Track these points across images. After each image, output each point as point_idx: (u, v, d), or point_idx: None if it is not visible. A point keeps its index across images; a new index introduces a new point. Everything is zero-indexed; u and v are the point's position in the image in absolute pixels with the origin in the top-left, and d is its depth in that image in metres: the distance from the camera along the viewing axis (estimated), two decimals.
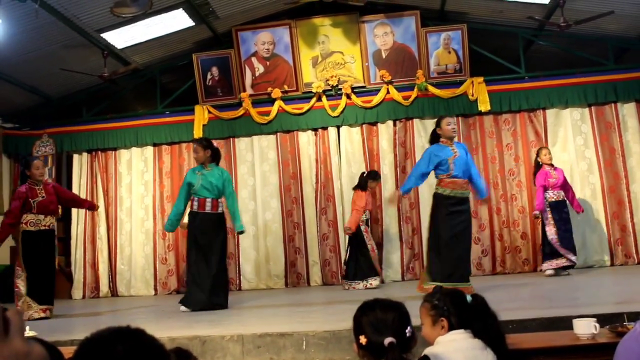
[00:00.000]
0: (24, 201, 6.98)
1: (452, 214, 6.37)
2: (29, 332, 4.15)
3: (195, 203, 7.15)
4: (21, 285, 6.94)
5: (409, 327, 2.17)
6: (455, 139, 6.75)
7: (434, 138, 6.63)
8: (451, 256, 6.27)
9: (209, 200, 7.10)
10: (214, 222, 7.14)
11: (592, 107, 9.94)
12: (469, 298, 2.60)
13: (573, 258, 8.51)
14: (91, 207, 8.25)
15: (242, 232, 7.58)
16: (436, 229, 6.40)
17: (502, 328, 2.60)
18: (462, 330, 2.48)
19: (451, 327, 2.50)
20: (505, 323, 4.26)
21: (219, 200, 7.19)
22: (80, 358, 1.25)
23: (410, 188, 6.87)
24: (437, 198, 6.46)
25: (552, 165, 8.84)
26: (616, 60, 10.23)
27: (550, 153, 8.92)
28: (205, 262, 7.00)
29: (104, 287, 10.47)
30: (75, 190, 10.75)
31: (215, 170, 7.20)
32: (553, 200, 8.68)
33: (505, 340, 2.57)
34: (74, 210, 10.66)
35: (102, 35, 9.11)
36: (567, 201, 8.77)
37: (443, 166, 6.41)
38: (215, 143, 10.44)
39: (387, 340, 2.08)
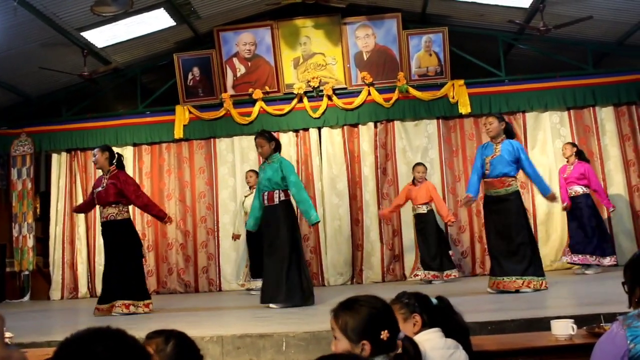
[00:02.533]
0: (92, 191, 7.23)
1: (489, 213, 6.75)
2: (5, 334, 4.10)
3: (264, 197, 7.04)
4: None
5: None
6: (505, 138, 6.73)
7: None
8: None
9: (266, 193, 6.95)
10: (270, 214, 6.92)
11: (571, 111, 10.05)
12: (434, 300, 2.63)
13: (589, 260, 8.57)
14: (160, 216, 7.45)
15: (315, 224, 7.03)
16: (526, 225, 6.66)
17: (467, 328, 2.64)
18: (435, 329, 2.50)
19: (423, 325, 2.52)
20: (484, 324, 4.31)
21: (276, 191, 6.91)
22: (60, 358, 1.24)
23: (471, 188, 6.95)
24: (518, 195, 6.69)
25: (570, 160, 8.89)
26: (595, 64, 10.35)
27: (566, 148, 8.99)
28: (269, 256, 6.86)
29: (83, 287, 10.38)
30: (54, 190, 10.66)
31: (274, 163, 6.97)
32: (570, 196, 8.84)
33: (470, 340, 2.61)
34: (52, 211, 10.58)
35: (82, 34, 9.03)
36: (586, 198, 8.78)
37: (482, 167, 6.72)
38: (195, 143, 10.53)
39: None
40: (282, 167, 6.89)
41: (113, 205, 7.02)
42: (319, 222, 7.01)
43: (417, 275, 8.74)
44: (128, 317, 6.65)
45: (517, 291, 6.44)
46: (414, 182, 8.95)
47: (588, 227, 8.66)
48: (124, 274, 6.91)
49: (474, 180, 6.86)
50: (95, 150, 7.27)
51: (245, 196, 9.04)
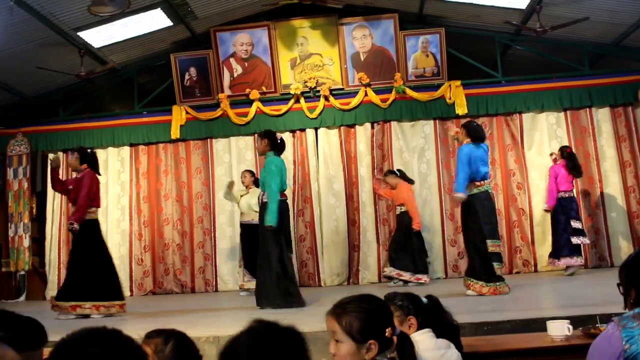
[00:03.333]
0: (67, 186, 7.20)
1: None
2: None
3: None
4: None
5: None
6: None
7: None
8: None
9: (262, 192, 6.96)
10: (261, 215, 6.88)
11: (568, 112, 10.06)
12: (424, 299, 2.63)
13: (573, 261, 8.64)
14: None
15: (270, 227, 6.64)
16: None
17: (457, 326, 2.65)
18: (426, 330, 2.50)
19: (418, 326, 2.53)
20: (480, 325, 4.31)
21: (264, 192, 6.83)
22: (56, 359, 1.24)
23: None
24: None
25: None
26: (591, 65, 10.36)
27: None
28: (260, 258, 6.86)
29: None
30: (50, 190, 10.60)
31: (265, 163, 6.93)
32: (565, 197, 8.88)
33: (460, 338, 2.62)
34: (48, 210, 10.55)
35: (79, 33, 9.02)
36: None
37: None
38: (192, 144, 10.51)
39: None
40: (266, 166, 6.83)
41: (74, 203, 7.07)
42: (270, 226, 6.59)
43: (384, 271, 8.91)
44: (124, 318, 6.64)
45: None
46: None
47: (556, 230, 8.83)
48: (95, 274, 6.75)
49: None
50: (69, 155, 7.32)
51: (241, 195, 9.01)
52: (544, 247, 9.75)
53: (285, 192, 6.92)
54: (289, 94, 10.25)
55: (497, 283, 6.58)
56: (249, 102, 10.32)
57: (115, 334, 1.28)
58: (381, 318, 2.08)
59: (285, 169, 6.96)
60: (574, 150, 9.22)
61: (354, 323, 2.03)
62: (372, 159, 10.17)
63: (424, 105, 10.10)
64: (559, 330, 3.08)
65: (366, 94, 10.13)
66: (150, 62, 10.80)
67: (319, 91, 10.18)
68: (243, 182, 9.04)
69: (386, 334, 2.05)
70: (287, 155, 10.24)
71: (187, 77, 10.39)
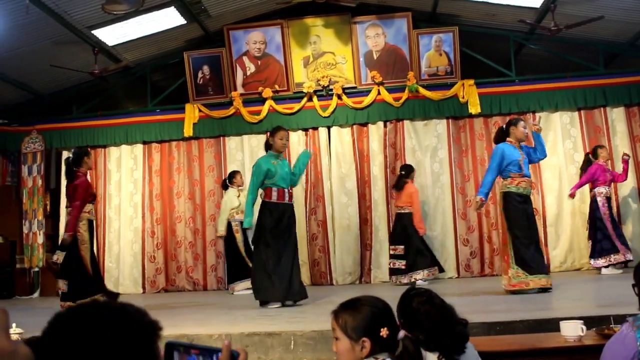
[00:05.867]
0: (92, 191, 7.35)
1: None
2: (15, 330, 4.13)
3: (275, 193, 7.00)
4: None
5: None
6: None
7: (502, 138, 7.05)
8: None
9: (286, 190, 7.02)
10: (290, 211, 7.07)
11: (582, 111, 10.00)
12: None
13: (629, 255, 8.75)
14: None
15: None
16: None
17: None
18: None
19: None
20: (492, 325, 4.30)
21: (292, 188, 7.26)
22: (63, 321, 1.17)
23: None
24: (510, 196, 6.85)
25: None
26: (606, 65, 10.29)
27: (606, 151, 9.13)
28: (290, 253, 6.94)
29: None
30: (64, 187, 10.68)
31: (285, 160, 7.25)
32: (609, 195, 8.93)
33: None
34: (62, 208, 10.60)
35: (93, 32, 9.07)
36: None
37: (515, 166, 6.84)
38: (205, 142, 10.56)
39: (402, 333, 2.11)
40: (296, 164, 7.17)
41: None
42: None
43: (403, 280, 8.72)
44: None
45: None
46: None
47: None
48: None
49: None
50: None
51: (237, 196, 9.21)
52: (558, 248, 9.71)
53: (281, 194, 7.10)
54: (302, 92, 10.25)
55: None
56: (262, 101, 10.33)
57: (125, 304, 1.22)
58: (376, 318, 2.13)
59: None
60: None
61: (348, 320, 2.12)
62: (384, 158, 10.16)
63: (436, 104, 10.06)
64: (572, 331, 3.07)
65: (379, 93, 10.11)
66: (163, 60, 10.84)
67: (331, 90, 10.17)
68: (237, 182, 9.29)
69: (381, 334, 2.08)
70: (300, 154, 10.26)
71: (200, 75, 10.42)
